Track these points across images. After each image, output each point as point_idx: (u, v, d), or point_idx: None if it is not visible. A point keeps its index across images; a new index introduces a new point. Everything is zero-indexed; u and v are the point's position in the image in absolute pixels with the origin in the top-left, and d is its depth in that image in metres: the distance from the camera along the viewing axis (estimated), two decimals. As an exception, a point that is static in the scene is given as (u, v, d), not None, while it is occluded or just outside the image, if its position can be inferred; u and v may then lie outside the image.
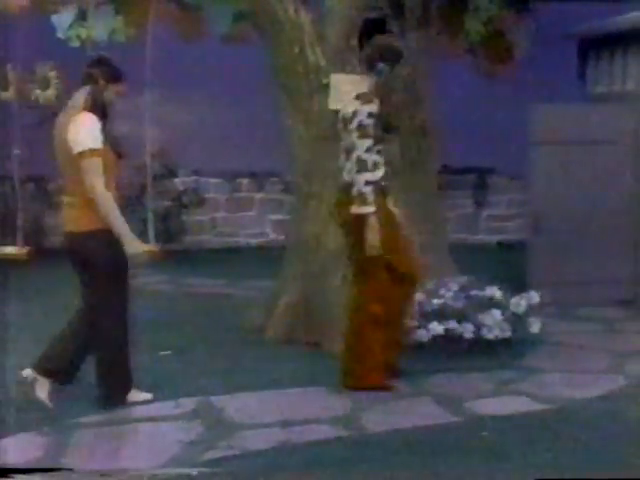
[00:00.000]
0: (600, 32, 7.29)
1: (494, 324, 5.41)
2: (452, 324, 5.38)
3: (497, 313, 5.45)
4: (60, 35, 7.57)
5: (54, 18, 7.59)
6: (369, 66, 4.89)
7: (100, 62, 4.58)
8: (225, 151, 9.35)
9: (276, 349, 5.73)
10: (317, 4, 6.08)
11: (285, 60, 5.96)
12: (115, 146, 4.52)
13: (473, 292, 5.63)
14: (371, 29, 5.97)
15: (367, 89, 4.84)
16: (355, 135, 4.74)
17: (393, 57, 4.89)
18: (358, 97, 4.82)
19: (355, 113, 4.76)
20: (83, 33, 7.44)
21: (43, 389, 4.58)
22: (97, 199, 4.33)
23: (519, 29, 8.54)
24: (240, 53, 7.86)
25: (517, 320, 5.54)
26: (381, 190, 4.79)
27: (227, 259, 9.25)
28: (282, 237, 8.66)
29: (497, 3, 7.76)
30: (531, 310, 5.65)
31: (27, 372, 4.61)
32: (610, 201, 6.97)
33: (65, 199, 4.57)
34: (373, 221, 4.66)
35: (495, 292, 5.65)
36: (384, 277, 4.76)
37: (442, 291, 5.60)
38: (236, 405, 4.68)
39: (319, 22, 5.98)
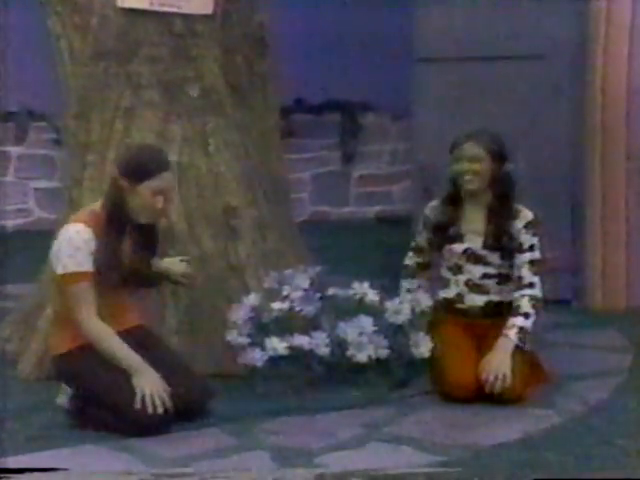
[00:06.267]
0: None
1: (364, 338, 5.42)
2: (299, 339, 5.38)
3: (367, 322, 5.47)
4: None
5: None
6: None
7: (122, 160, 5.12)
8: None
9: (35, 391, 5.63)
10: None
11: None
12: (135, 265, 5.14)
13: (332, 291, 5.66)
14: None
15: None
16: None
17: None
18: None
19: None
20: None
21: None
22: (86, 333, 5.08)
23: None
24: None
25: (397, 333, 5.56)
26: None
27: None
28: (53, 216, 8.60)
29: None
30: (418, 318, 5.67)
31: None
32: (535, 148, 7.04)
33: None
34: None
35: (366, 291, 5.69)
36: None
37: (286, 290, 5.61)
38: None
39: None
